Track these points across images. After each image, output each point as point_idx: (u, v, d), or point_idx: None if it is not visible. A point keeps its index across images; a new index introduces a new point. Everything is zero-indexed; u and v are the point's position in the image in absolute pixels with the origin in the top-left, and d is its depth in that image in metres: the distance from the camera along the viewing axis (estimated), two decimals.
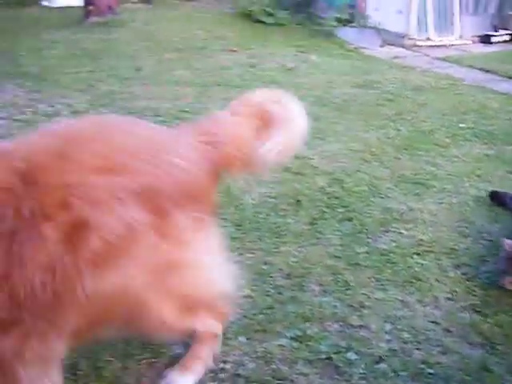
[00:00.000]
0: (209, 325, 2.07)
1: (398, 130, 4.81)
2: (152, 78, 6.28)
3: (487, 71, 7.66)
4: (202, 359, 2.12)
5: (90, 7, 10.15)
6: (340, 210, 3.36)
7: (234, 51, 7.64)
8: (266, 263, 2.81)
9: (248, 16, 10.63)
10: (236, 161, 1.99)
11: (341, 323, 2.44)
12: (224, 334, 2.18)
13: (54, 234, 1.54)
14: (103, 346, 2.21)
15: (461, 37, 9.48)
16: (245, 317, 2.41)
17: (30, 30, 9.83)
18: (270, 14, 10.04)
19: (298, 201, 3.39)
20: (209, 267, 1.92)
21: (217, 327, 2.11)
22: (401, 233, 3.16)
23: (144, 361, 2.18)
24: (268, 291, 2.60)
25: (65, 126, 1.94)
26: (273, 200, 3.40)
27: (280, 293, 2.60)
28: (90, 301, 1.62)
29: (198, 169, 1.83)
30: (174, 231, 1.76)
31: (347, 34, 9.03)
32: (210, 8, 12.85)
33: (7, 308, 1.52)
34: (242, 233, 3.06)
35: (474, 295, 2.69)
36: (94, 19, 10.01)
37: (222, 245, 1.97)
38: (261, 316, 2.43)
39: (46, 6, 13.33)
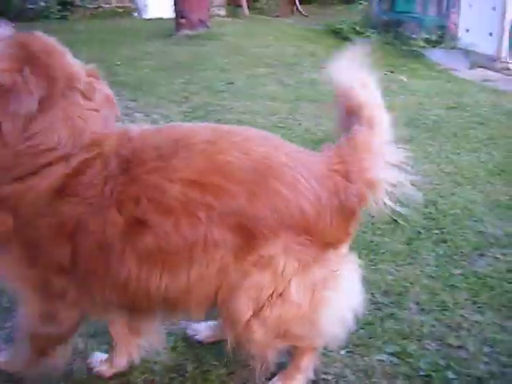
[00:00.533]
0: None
1: (491, 154, 4.80)
2: (244, 92, 6.44)
3: None
4: (303, 370, 2.17)
5: (182, 20, 10.43)
6: (435, 232, 3.41)
7: (324, 68, 7.72)
8: (364, 279, 2.87)
9: (336, 33, 10.74)
10: (368, 199, 1.89)
11: (439, 342, 2.49)
12: (326, 346, 2.26)
13: (116, 218, 1.73)
14: (210, 350, 2.35)
15: None
16: None
17: (125, 41, 10.18)
18: (359, 33, 10.12)
19: (395, 220, 3.45)
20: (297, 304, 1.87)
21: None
22: (497, 257, 3.18)
23: (249, 367, 2.26)
24: (367, 307, 2.67)
25: (184, 129, 2.00)
26: (369, 218, 3.47)
27: (379, 309, 2.68)
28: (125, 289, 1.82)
29: (310, 200, 1.77)
30: (259, 257, 1.78)
31: (436, 55, 9.01)
32: (298, 24, 13.02)
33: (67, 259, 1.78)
34: None
35: None
36: (185, 32, 10.28)
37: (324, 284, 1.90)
38: (361, 331, 2.50)
39: (138, 18, 13.80)
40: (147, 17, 13.63)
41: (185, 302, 1.88)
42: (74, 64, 1.90)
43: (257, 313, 1.84)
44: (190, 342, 2.41)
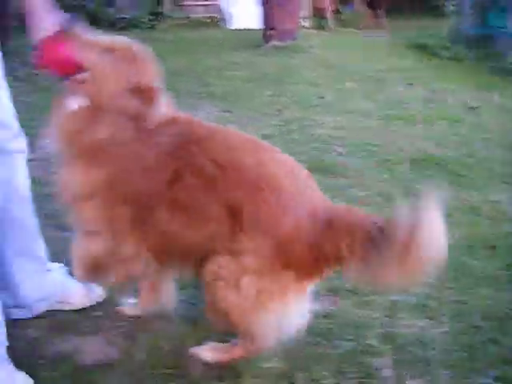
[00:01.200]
0: None
1: None
2: (335, 107, 6.55)
3: None
4: (232, 353, 2.37)
5: (271, 31, 10.60)
6: None
7: (412, 84, 7.76)
8: (463, 303, 2.93)
9: (422, 48, 10.69)
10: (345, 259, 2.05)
11: None
12: (428, 365, 2.37)
13: (170, 166, 2.18)
14: (319, 361, 2.46)
15: None
16: (447, 351, 2.56)
17: (212, 51, 10.42)
18: (447, 48, 10.04)
19: (493, 246, 3.48)
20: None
21: None
22: None
23: (355, 380, 2.38)
24: (466, 330, 2.73)
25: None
26: (466, 242, 3.51)
27: (479, 333, 2.72)
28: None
29: (292, 224, 2.03)
30: (236, 245, 2.09)
31: None
32: (383, 37, 13.01)
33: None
34: (440, 271, 3.19)
35: None
36: (273, 43, 10.45)
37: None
38: (464, 353, 2.56)
39: (225, 28, 14.05)
40: (234, 27, 13.88)
41: (189, 254, 2.24)
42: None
43: (212, 284, 2.14)
44: (297, 351, 2.49)
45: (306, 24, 14.17)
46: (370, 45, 11.65)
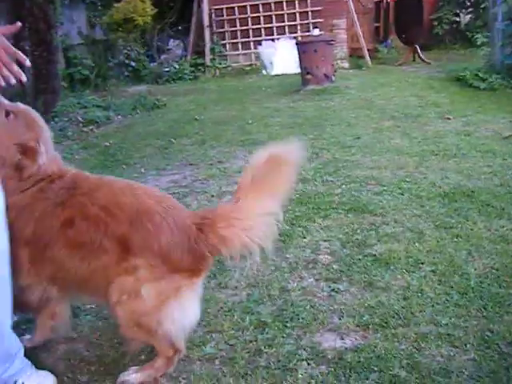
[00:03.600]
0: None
1: None
2: (371, 147, 6.74)
3: None
4: (154, 368, 2.78)
5: (308, 76, 10.91)
6: None
7: (449, 119, 7.90)
8: (490, 330, 3.05)
9: (459, 80, 10.81)
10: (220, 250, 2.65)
11: None
12: None
13: (60, 214, 2.67)
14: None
15: None
16: (471, 378, 2.69)
17: (253, 98, 10.75)
18: (483, 79, 10.14)
19: None
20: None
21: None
22: None
23: None
24: (492, 356, 2.85)
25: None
26: (495, 271, 3.64)
27: (504, 359, 2.83)
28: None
29: (167, 238, 2.56)
30: (128, 265, 2.56)
31: None
32: (420, 72, 13.18)
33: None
34: (467, 300, 3.32)
35: None
36: (311, 87, 10.76)
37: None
38: (487, 379, 2.69)
39: (265, 75, 14.45)
40: (273, 73, 14.28)
41: (87, 283, 2.68)
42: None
43: (119, 301, 2.57)
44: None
45: (345, 65, 14.48)
46: (407, 81, 11.83)
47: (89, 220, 2.59)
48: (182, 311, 2.63)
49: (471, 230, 4.22)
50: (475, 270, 3.66)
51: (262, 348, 2.97)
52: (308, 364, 2.84)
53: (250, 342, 3.04)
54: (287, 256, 3.99)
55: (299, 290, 3.54)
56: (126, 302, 2.56)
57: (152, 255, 2.54)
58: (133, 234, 2.55)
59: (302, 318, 3.22)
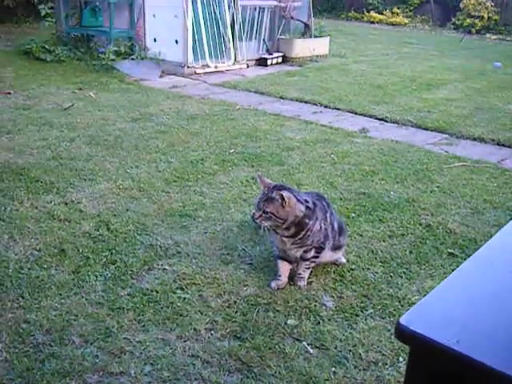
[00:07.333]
0: None
1: (169, 162, 4.88)
2: None
3: (262, 93, 8.02)
4: None
5: None
6: (105, 254, 3.32)
7: (9, 93, 7.35)
8: (25, 321, 2.72)
9: (26, 54, 10.26)
10: None
11: (101, 373, 2.42)
12: None
13: None
14: None
15: (238, 61, 9.83)
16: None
17: None
18: (50, 51, 9.77)
19: (63, 250, 3.33)
20: None
21: None
22: (165, 269, 3.21)
23: None
24: (27, 351, 2.52)
25: None
26: (36, 252, 3.32)
27: (39, 351, 2.53)
28: None
29: None
30: None
31: (127, 66, 8.98)
32: None
33: None
34: (3, 292, 2.94)
35: (234, 321, 2.80)
36: None
37: None
38: (19, 380, 2.35)
39: None
40: None
41: None
42: None
43: None
44: None
45: None
46: None
47: None
48: None
49: (16, 210, 3.83)
50: (16, 254, 3.29)
51: None
52: None
53: None
54: None
55: None
56: None
57: None
58: None
59: None
